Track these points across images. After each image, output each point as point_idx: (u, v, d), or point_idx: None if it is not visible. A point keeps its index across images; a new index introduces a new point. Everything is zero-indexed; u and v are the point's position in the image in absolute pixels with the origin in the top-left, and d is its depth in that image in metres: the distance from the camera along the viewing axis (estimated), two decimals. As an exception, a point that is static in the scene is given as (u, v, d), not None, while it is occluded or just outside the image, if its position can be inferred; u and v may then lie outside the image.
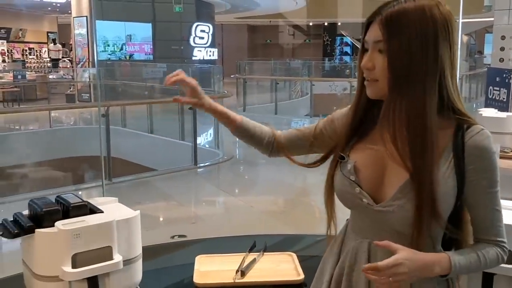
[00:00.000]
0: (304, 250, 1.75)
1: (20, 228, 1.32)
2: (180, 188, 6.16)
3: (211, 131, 8.66)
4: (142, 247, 1.48)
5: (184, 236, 4.20)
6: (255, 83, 15.96)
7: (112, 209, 1.52)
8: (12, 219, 1.38)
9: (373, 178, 1.12)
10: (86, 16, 13.44)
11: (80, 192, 6.11)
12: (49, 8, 19.21)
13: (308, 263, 1.68)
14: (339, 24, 26.05)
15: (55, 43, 18.81)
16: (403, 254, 1.00)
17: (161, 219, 4.84)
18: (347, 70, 17.95)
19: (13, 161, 7.41)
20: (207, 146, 8.45)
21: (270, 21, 25.95)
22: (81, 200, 1.39)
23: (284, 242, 1.87)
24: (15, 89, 13.04)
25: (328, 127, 1.28)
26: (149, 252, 1.50)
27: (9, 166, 7.29)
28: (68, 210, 1.37)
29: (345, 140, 1.18)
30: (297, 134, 1.36)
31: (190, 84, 1.24)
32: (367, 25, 1.10)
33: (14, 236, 1.29)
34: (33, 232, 1.33)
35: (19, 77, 13.23)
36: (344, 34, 25.92)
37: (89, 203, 1.45)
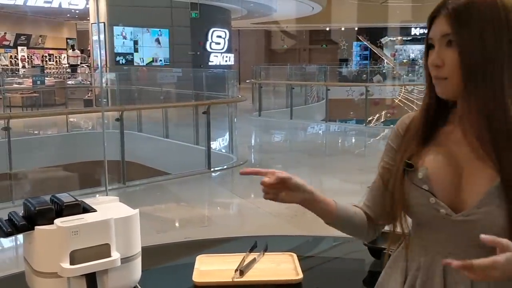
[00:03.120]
0: (307, 251, 1.74)
1: (14, 226, 1.34)
2: (193, 192, 6.20)
3: (225, 135, 8.69)
4: (144, 247, 1.49)
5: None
6: (271, 88, 16.00)
7: (112, 208, 1.53)
8: (7, 218, 1.40)
9: (450, 185, 1.01)
10: (104, 22, 13.63)
11: (97, 195, 6.18)
12: (68, 15, 19.55)
13: (309, 263, 1.68)
14: (356, 29, 25.96)
15: (73, 49, 19.12)
16: (504, 257, 0.86)
17: (173, 222, 4.87)
18: (364, 75, 17.87)
19: (30, 165, 7.53)
20: (223, 150, 8.48)
21: (286, 27, 26.01)
22: (74, 200, 1.41)
23: (286, 242, 1.86)
24: (34, 94, 13.27)
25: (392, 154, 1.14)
26: (150, 251, 1.51)
27: (27, 170, 7.41)
28: (61, 209, 1.38)
29: (415, 146, 1.07)
30: (378, 189, 1.16)
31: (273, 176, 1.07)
32: (430, 21, 1.04)
33: (7, 235, 1.30)
34: (27, 230, 1.34)
35: (38, 82, 13.47)
36: (361, 39, 25.78)
37: (83, 202, 1.46)
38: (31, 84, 13.67)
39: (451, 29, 0.99)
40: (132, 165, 7.36)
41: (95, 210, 1.44)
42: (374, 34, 25.14)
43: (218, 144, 8.83)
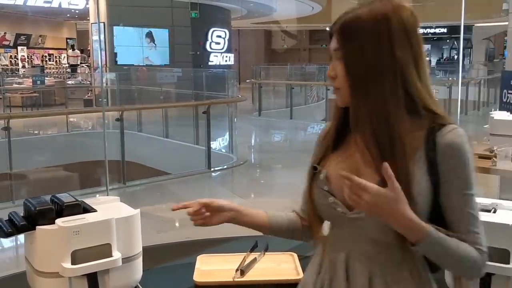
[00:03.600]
0: (307, 250, 1.75)
1: (14, 227, 1.34)
2: (194, 192, 6.19)
3: (225, 135, 8.69)
4: (145, 246, 1.49)
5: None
6: (271, 88, 16.00)
7: (113, 208, 1.54)
8: (7, 218, 1.41)
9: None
10: (104, 22, 13.62)
11: (97, 195, 6.18)
12: (68, 15, 19.55)
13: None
14: (355, 28, 25.83)
15: (73, 49, 19.13)
16: (383, 189, 0.96)
17: (173, 222, 4.87)
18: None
19: (30, 165, 7.52)
20: (223, 150, 8.49)
21: (286, 26, 25.99)
22: (74, 200, 1.42)
23: (286, 242, 1.86)
24: (34, 94, 13.27)
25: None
26: (151, 251, 1.51)
27: (27, 170, 7.40)
28: (61, 209, 1.39)
29: (324, 151, 1.17)
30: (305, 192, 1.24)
31: (199, 205, 1.23)
32: (329, 36, 1.12)
33: (7, 235, 1.31)
34: (28, 231, 1.35)
35: (38, 82, 13.47)
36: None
37: (83, 202, 1.47)
38: (31, 84, 13.67)
39: (338, 44, 1.08)
40: (132, 165, 7.36)
41: (95, 210, 1.45)
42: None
43: (218, 144, 8.83)
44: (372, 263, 1.06)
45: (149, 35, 14.65)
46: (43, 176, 7.80)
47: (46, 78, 14.85)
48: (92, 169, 8.82)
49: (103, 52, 14.01)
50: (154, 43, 14.76)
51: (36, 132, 10.68)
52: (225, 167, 7.21)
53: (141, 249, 1.49)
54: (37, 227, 1.34)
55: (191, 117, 8.73)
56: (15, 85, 14.02)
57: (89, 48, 16.39)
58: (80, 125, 11.13)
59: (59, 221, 1.35)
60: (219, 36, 16.32)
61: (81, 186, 7.60)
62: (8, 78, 14.97)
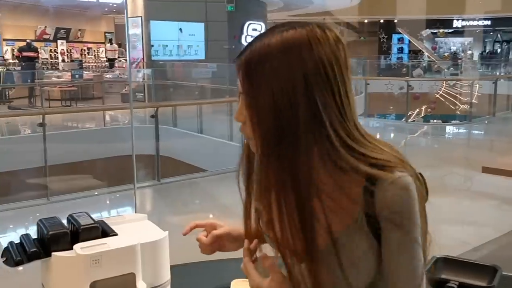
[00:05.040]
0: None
1: (25, 253, 1.20)
2: (229, 191, 6.06)
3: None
4: (172, 266, 1.33)
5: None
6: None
7: (138, 229, 1.37)
8: (19, 241, 1.26)
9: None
10: (141, 17, 13.65)
11: (134, 191, 6.13)
12: (106, 9, 19.76)
13: None
14: (396, 21, 25.31)
15: (111, 43, 19.32)
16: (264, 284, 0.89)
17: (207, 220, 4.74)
18: (404, 69, 17.48)
19: (66, 159, 7.55)
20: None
21: (324, 19, 25.56)
22: (92, 222, 1.26)
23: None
24: (73, 88, 13.44)
25: None
26: (179, 272, 1.34)
27: (62, 165, 7.42)
28: (77, 233, 1.23)
29: (246, 175, 1.05)
30: None
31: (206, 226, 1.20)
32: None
33: (16, 264, 1.16)
34: (37, 258, 1.20)
35: (77, 76, 13.64)
36: (401, 32, 25.14)
37: (103, 223, 1.31)
38: (70, 77, 13.86)
39: (240, 84, 0.87)
40: (166, 160, 7.30)
41: (115, 234, 1.29)
42: (414, 27, 24.46)
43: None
44: None
45: (184, 30, 14.60)
46: (78, 171, 7.83)
47: (84, 72, 15.04)
48: (128, 164, 8.83)
49: (139, 47, 14.06)
50: (189, 37, 14.70)
51: (73, 125, 10.79)
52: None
53: (169, 277, 1.33)
54: (53, 253, 1.19)
55: (226, 112, 8.61)
56: (54, 79, 14.25)
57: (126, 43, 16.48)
58: (117, 119, 11.19)
59: (77, 248, 1.19)
60: (255, 30, 16.12)
61: (116, 182, 7.55)
62: (47, 72, 15.23)
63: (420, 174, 0.91)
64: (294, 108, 0.82)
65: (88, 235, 1.26)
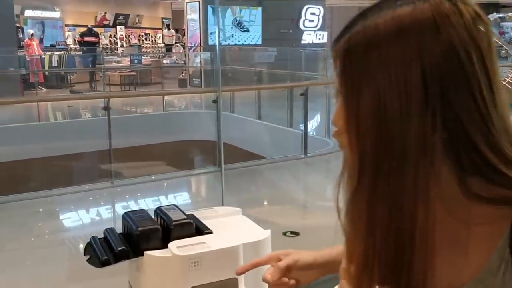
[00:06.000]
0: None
1: (110, 251, 1.05)
2: (290, 179, 5.90)
3: (321, 118, 8.27)
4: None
5: (297, 233, 3.93)
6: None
7: (233, 226, 1.21)
8: (102, 236, 1.12)
9: None
10: (199, 1, 13.59)
11: (191, 179, 6.09)
12: (164, -5, 19.90)
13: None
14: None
15: (169, 29, 19.45)
16: None
17: (270, 212, 4.60)
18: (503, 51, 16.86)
19: (127, 143, 7.61)
20: (315, 134, 8.10)
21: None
22: (185, 217, 1.09)
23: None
24: (132, 73, 13.63)
25: None
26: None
27: (125, 149, 7.49)
28: (169, 229, 1.08)
29: None
30: None
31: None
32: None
33: (102, 264, 1.02)
34: (127, 258, 1.05)
35: (135, 61, 13.81)
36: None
37: (194, 217, 1.15)
38: (129, 63, 14.05)
39: (338, 78, 0.63)
40: (224, 146, 7.20)
41: (210, 231, 1.14)
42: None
43: (311, 127, 8.44)
44: None
45: (242, 14, 14.44)
46: (141, 155, 7.88)
47: (143, 57, 15.22)
48: (186, 149, 8.84)
49: (197, 32, 14.04)
50: (246, 22, 14.53)
51: (133, 110, 10.92)
52: (322, 152, 6.80)
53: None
54: (145, 252, 1.05)
55: (285, 98, 8.41)
56: (114, 64, 14.50)
57: (183, 28, 16.54)
58: (174, 104, 11.24)
59: (173, 247, 1.04)
60: (313, 14, 15.76)
61: (179, 167, 7.54)
62: (108, 57, 15.52)
63: None
64: (409, 115, 0.58)
65: (180, 232, 1.11)
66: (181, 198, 5.52)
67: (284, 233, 3.89)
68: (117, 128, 6.40)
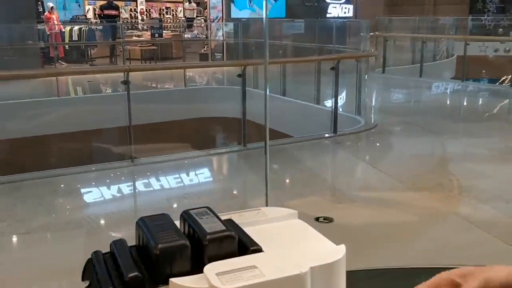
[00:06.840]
0: None
1: (119, 277, 0.72)
2: (320, 159, 5.55)
3: (350, 94, 7.84)
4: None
5: (330, 220, 3.60)
6: (391, 42, 14.68)
7: (290, 237, 0.88)
8: (109, 251, 0.79)
9: None
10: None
11: (213, 158, 5.77)
12: (185, -33, 19.36)
13: None
14: (492, -24, 23.14)
15: (190, 2, 19.00)
16: None
17: (301, 196, 4.27)
18: (500, 29, 16.10)
19: (148, 119, 7.32)
20: (343, 111, 7.70)
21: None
22: (223, 228, 0.76)
23: None
24: (153, 47, 13.30)
25: None
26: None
27: (145, 125, 7.22)
28: (201, 245, 0.74)
29: None
30: None
31: None
32: None
33: None
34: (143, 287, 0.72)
35: (156, 35, 13.46)
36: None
37: (233, 224, 0.81)
38: (150, 37, 13.71)
39: None
40: (248, 124, 6.87)
41: (259, 248, 0.80)
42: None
43: (340, 103, 8.03)
44: None
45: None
46: (161, 132, 7.60)
47: (163, 31, 14.85)
48: (209, 126, 8.54)
49: (219, 5, 13.61)
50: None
51: (153, 85, 10.63)
52: (352, 131, 6.42)
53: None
54: (171, 280, 0.72)
55: (310, 74, 8.01)
56: (134, 38, 14.18)
57: (205, 1, 16.09)
58: (195, 80, 10.90)
59: (210, 274, 0.71)
60: (340, -14, 15.19)
61: (201, 145, 7.26)
62: (128, 31, 15.20)
63: None
64: None
65: (218, 251, 0.77)
66: (204, 178, 5.22)
67: (317, 219, 3.57)
68: (136, 103, 6.11)
